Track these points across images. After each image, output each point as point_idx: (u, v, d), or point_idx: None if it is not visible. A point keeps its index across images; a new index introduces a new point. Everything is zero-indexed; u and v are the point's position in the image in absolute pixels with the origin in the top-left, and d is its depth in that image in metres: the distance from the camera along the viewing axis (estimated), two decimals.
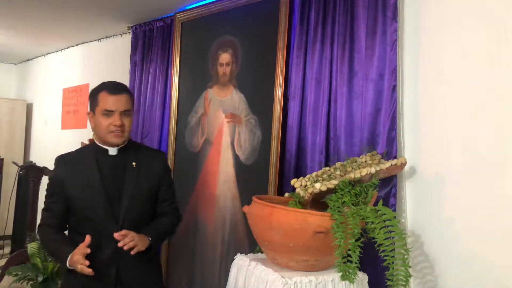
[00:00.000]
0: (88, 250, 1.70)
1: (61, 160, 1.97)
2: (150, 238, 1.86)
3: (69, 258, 1.74)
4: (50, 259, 3.29)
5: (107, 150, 1.93)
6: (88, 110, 1.96)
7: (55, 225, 1.92)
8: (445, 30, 2.04)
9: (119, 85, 1.92)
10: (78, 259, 1.69)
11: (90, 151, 1.96)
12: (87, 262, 1.68)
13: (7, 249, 4.97)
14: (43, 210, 1.95)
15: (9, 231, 4.96)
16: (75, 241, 1.83)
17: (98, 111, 1.87)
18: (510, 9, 1.82)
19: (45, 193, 1.97)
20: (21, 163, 5.17)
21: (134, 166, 1.93)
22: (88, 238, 1.73)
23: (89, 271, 1.67)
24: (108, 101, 1.84)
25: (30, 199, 4.35)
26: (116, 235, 1.75)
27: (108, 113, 1.84)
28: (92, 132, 4.38)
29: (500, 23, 1.85)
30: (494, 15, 1.87)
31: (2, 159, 5.51)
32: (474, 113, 1.92)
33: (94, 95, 1.90)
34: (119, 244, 1.75)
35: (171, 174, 2.13)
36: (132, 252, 1.76)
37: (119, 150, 1.94)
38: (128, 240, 1.75)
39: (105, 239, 1.82)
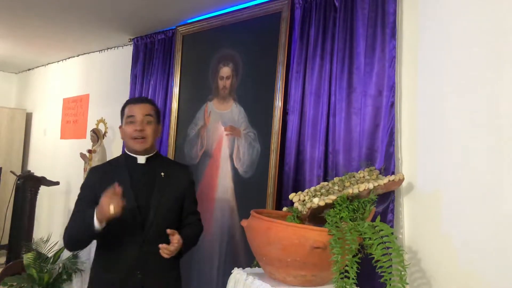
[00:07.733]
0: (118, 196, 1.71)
1: (94, 169, 2.07)
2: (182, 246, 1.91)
3: (95, 212, 1.74)
4: (45, 270, 3.27)
5: (136, 159, 1.99)
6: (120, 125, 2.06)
7: None
8: (443, 47, 2.06)
9: (142, 97, 2.17)
10: (105, 200, 1.69)
11: (121, 160, 2.04)
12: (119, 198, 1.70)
13: (2, 259, 4.93)
14: (70, 218, 1.94)
15: (5, 240, 4.93)
16: (102, 246, 1.92)
17: (124, 122, 1.99)
18: (507, 26, 1.85)
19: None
20: (19, 172, 5.15)
21: (163, 176, 2.00)
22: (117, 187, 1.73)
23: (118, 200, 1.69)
24: (131, 109, 1.98)
25: (27, 209, 4.34)
26: (169, 231, 1.83)
27: (131, 119, 1.94)
28: (91, 143, 4.36)
29: (498, 40, 1.88)
30: (492, 32, 1.90)
31: (0, 168, 5.50)
32: (472, 130, 1.93)
33: (122, 109, 2.03)
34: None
35: (195, 187, 2.18)
36: (166, 256, 1.83)
37: (147, 160, 2.00)
38: (175, 241, 1.83)
39: (131, 245, 1.88)
